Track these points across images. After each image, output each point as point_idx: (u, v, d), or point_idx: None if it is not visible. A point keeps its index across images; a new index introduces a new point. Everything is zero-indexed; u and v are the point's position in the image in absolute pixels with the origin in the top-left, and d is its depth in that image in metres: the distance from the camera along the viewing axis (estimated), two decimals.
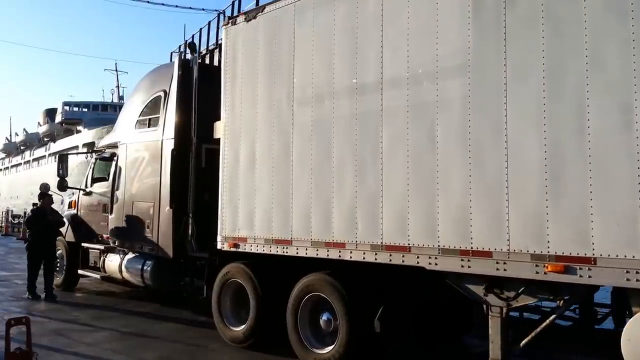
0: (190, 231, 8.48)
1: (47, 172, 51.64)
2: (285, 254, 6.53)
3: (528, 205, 4.47)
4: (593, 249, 4.06)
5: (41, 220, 10.71)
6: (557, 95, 4.39)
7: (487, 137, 4.79)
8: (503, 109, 4.68)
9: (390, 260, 5.46)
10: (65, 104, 53.29)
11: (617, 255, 3.95)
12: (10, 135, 67.54)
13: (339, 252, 5.93)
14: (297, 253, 6.39)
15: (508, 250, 4.56)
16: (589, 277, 4.10)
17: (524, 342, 4.81)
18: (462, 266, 4.89)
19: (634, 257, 3.87)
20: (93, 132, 45.53)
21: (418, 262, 5.22)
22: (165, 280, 9.17)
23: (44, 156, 53.45)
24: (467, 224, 4.85)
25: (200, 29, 10.94)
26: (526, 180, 4.52)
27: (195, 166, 8.60)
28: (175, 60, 9.03)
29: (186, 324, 8.71)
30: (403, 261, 5.35)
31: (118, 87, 56.82)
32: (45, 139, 56.01)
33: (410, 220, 5.27)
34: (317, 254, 6.17)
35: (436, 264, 5.09)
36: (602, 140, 4.14)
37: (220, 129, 7.61)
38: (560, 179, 4.32)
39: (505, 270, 4.59)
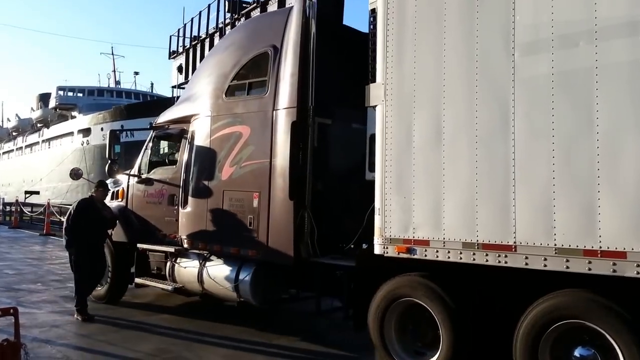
0: (307, 229, 6.57)
1: (41, 159, 49.88)
2: (504, 264, 4.65)
3: None
4: None
5: (94, 215, 8.59)
6: None
7: None
8: None
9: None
10: (60, 88, 51.33)
11: None
12: (2, 121, 65.41)
13: (613, 264, 4.06)
14: (526, 265, 4.52)
15: None
16: None
17: None
18: None
19: None
20: (89, 118, 43.31)
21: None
22: (270, 293, 7.27)
23: (37, 142, 51.40)
24: None
25: None
26: None
27: (312, 146, 6.68)
28: (295, 3, 6.93)
29: (184, 315, 8.27)
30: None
31: (115, 71, 54.65)
32: (39, 125, 54.05)
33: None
34: (566, 267, 4.30)
35: None
36: None
37: (377, 94, 5.65)
38: None
39: None
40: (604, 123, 4.09)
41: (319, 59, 6.69)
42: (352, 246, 6.49)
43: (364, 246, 6.27)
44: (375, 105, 5.65)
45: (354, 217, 6.41)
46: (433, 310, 5.19)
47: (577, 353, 4.47)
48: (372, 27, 5.79)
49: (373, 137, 5.89)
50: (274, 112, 6.82)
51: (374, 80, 5.70)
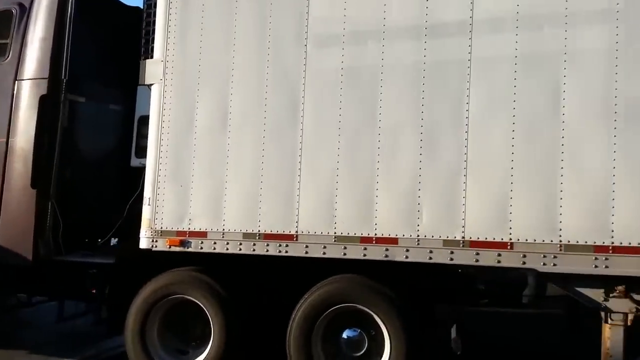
0: (49, 223, 5.57)
1: None
2: (284, 254, 4.63)
3: None
4: None
5: None
6: None
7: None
8: None
9: (477, 261, 4.23)
10: None
11: None
12: None
13: (386, 249, 4.40)
14: (306, 253, 4.57)
15: None
16: None
17: None
18: (596, 266, 4.00)
19: None
20: None
21: (525, 263, 4.13)
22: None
23: None
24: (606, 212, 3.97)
25: None
26: None
27: (61, 126, 5.73)
28: None
29: None
30: (499, 261, 4.19)
31: None
32: None
33: (514, 209, 4.15)
34: (344, 254, 4.50)
35: (555, 265, 4.08)
36: None
37: (154, 72, 5.11)
38: None
39: None
40: (386, 119, 4.42)
41: (76, 27, 5.76)
42: (114, 241, 5.68)
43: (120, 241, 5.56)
44: (151, 84, 5.09)
45: (109, 208, 5.65)
46: (205, 306, 4.83)
47: (345, 335, 4.68)
48: None
49: (144, 119, 5.31)
50: (16, 82, 5.61)
51: (150, 56, 5.14)
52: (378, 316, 4.50)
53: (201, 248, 4.84)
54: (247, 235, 4.72)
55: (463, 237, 4.23)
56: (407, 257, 4.35)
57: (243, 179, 4.77)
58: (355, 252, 4.46)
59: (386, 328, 4.48)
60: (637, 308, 4.05)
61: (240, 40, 4.86)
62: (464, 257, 4.24)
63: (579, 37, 4.07)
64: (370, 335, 4.63)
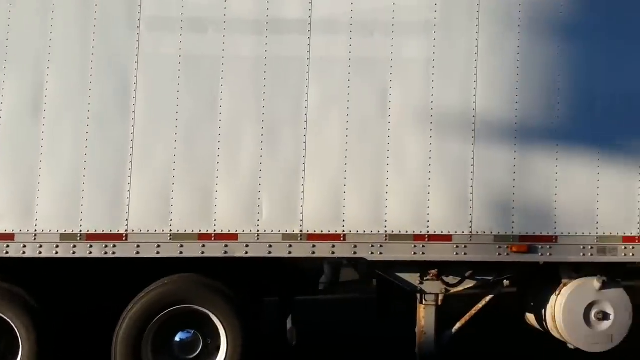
0: None
1: None
2: (112, 255, 4.26)
3: (494, 188, 4.52)
4: (555, 228, 4.51)
5: None
6: None
7: (452, 104, 4.51)
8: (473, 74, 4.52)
9: (314, 253, 4.42)
10: None
11: (575, 233, 4.51)
12: None
13: (225, 246, 4.34)
14: (137, 254, 4.28)
15: (470, 232, 4.48)
16: (550, 255, 4.51)
17: (456, 327, 4.79)
18: (415, 253, 4.47)
19: (589, 233, 4.53)
20: None
21: (355, 253, 4.43)
22: None
23: None
24: (423, 205, 4.46)
25: None
26: (493, 165, 4.52)
27: None
28: None
29: None
30: (333, 252, 4.43)
31: None
32: None
33: (347, 203, 4.42)
34: (180, 253, 4.31)
35: (381, 253, 4.45)
36: None
37: None
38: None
39: (465, 254, 4.48)
40: (227, 112, 4.32)
41: None
42: None
43: None
44: None
45: None
46: (16, 324, 4.19)
47: (177, 338, 4.47)
48: None
49: None
50: None
51: None
52: (214, 315, 4.40)
53: (6, 253, 4.18)
54: (65, 237, 4.22)
55: (301, 231, 4.36)
56: (247, 252, 4.32)
57: (61, 173, 4.25)
58: (192, 250, 4.29)
59: (223, 326, 4.40)
60: (446, 289, 4.63)
61: (59, 18, 4.29)
62: (302, 250, 4.37)
63: (403, 46, 4.48)
64: (205, 335, 4.49)
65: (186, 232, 4.28)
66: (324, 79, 4.43)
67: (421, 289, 4.64)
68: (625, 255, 4.47)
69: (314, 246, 4.39)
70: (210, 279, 4.44)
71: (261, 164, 4.35)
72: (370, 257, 4.43)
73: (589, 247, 4.46)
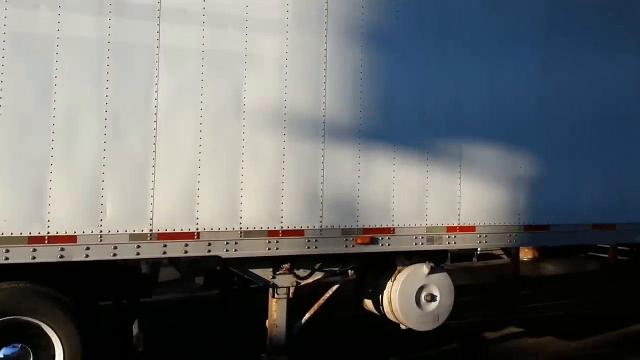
0: None
1: None
2: None
3: (341, 186, 4.74)
4: (393, 221, 4.90)
5: None
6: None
7: (303, 105, 4.62)
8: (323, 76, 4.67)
9: (165, 253, 4.19)
10: None
11: (409, 225, 4.96)
12: None
13: (61, 249, 3.90)
14: None
15: (321, 227, 4.65)
16: (389, 245, 4.89)
17: (306, 317, 4.93)
18: (270, 248, 4.50)
19: (420, 225, 5.00)
20: None
21: (210, 251, 4.32)
22: None
23: None
24: (278, 202, 4.52)
25: None
26: (339, 162, 4.73)
27: None
28: None
29: None
30: (186, 251, 4.25)
31: None
32: None
33: (202, 200, 4.28)
34: (5, 259, 3.76)
35: (236, 250, 4.39)
36: None
37: None
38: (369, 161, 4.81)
39: (316, 247, 4.64)
40: (62, 99, 3.85)
41: None
42: None
43: None
44: None
45: None
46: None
47: (1, 354, 3.91)
48: None
49: None
50: None
51: None
52: (47, 325, 3.92)
53: None
54: None
55: (151, 230, 4.10)
56: (87, 255, 3.93)
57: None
58: (21, 255, 3.75)
59: (57, 335, 3.95)
60: (297, 281, 4.76)
61: None
62: (152, 251, 4.12)
63: (257, 43, 4.46)
64: (37, 347, 3.98)
65: (13, 235, 3.72)
66: (176, 70, 4.21)
67: (273, 283, 4.70)
68: (449, 243, 5.07)
69: (165, 246, 4.16)
70: (41, 286, 3.94)
71: (104, 159, 3.97)
72: (225, 255, 4.35)
73: (420, 236, 4.97)
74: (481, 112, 5.15)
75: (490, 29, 5.19)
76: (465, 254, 10.99)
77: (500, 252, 11.59)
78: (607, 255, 11.97)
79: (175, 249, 4.20)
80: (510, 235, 5.27)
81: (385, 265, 5.17)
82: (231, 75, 4.38)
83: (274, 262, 4.68)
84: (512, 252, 9.80)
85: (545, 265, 11.98)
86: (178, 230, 4.19)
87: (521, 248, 10.65)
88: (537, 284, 9.81)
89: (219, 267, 6.16)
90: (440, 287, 5.13)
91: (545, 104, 5.40)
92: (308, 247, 4.60)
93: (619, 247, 11.60)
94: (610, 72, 5.68)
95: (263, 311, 4.84)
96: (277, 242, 4.49)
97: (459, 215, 5.08)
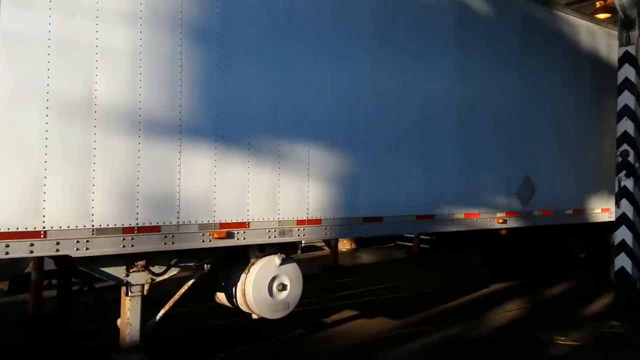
0: None
1: None
2: None
3: (197, 182, 4.79)
4: (248, 215, 5.09)
5: None
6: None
7: (158, 102, 4.57)
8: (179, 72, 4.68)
9: (8, 254, 3.90)
10: None
11: (263, 219, 5.18)
12: None
13: None
14: None
15: (178, 223, 4.68)
16: (244, 238, 5.07)
17: (160, 314, 4.87)
18: (124, 246, 4.40)
19: (273, 219, 5.25)
20: None
21: (58, 250, 4.10)
22: None
23: None
24: (133, 198, 4.44)
25: None
26: (196, 161, 4.79)
27: None
28: None
29: None
30: (32, 251, 4.00)
31: None
32: None
33: (49, 197, 4.05)
34: None
35: (87, 249, 4.23)
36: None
37: None
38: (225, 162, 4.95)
39: (173, 243, 4.64)
40: None
41: None
42: None
43: None
44: None
45: None
46: None
47: None
48: None
49: None
50: None
51: None
52: None
53: None
54: None
55: None
56: None
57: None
58: None
59: None
60: (152, 278, 4.72)
61: None
62: None
63: (109, 34, 4.34)
64: None
65: None
66: (17, 56, 3.93)
67: (127, 281, 4.61)
68: (299, 235, 5.45)
69: (7, 246, 3.88)
70: None
71: None
72: (75, 254, 4.17)
73: (273, 230, 5.26)
74: (325, 119, 5.58)
75: (331, 37, 5.64)
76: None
77: (322, 243, 12.44)
78: (412, 244, 13.57)
79: (19, 249, 3.94)
80: (351, 227, 5.82)
81: (238, 258, 5.35)
82: (82, 66, 4.20)
83: (128, 260, 4.59)
84: (331, 243, 10.60)
85: (361, 255, 13.19)
86: (22, 228, 3.92)
87: (340, 240, 11.66)
88: (356, 271, 10.73)
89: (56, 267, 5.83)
90: (291, 276, 5.48)
91: (377, 109, 6.04)
92: (165, 243, 4.60)
93: (421, 237, 13.22)
94: (432, 79, 6.51)
95: (113, 310, 4.72)
96: (132, 239, 4.42)
97: (307, 210, 5.47)
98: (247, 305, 5.29)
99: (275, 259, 5.36)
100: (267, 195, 5.21)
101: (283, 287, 5.41)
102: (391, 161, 6.15)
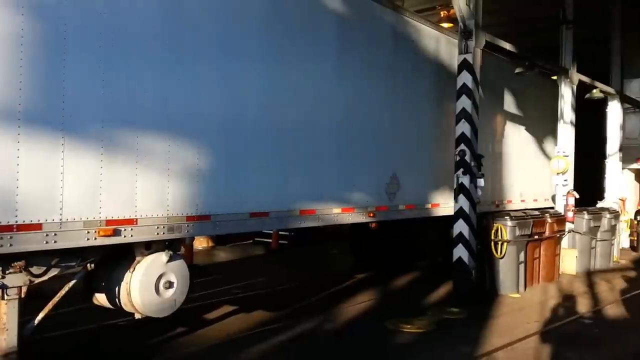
0: None
1: None
2: None
3: (84, 175, 4.58)
4: (136, 211, 4.95)
5: None
6: None
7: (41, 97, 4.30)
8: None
9: None
10: None
11: (152, 215, 5.07)
12: None
13: None
14: None
15: (61, 220, 4.44)
16: (132, 235, 4.92)
17: (39, 317, 4.57)
18: (2, 245, 4.09)
19: (161, 215, 5.15)
20: None
21: None
22: None
23: None
24: (12, 194, 4.14)
25: None
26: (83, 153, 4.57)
27: None
28: None
29: None
30: None
31: None
32: None
33: None
34: None
35: None
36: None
37: None
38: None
39: (55, 242, 4.39)
40: None
41: None
42: None
43: None
44: None
45: None
46: None
47: None
48: None
49: None
50: None
51: None
52: None
53: None
54: None
55: None
56: None
57: None
58: None
59: None
60: (31, 280, 4.43)
61: None
62: None
63: None
64: None
65: None
66: None
67: (2, 284, 4.28)
68: (187, 232, 5.43)
69: None
70: None
71: None
72: None
73: (162, 226, 5.20)
74: (213, 119, 5.63)
75: (220, 39, 5.70)
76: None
77: None
78: (270, 240, 13.62)
79: None
80: (238, 222, 5.90)
81: (122, 256, 5.20)
82: None
83: (3, 261, 4.26)
84: (186, 241, 10.29)
85: (218, 253, 12.90)
86: None
87: (196, 238, 11.60)
88: (212, 270, 10.37)
89: None
90: (177, 274, 5.44)
91: (265, 113, 6.20)
92: (47, 242, 4.35)
93: (280, 232, 13.30)
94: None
95: None
96: (10, 237, 4.13)
97: (197, 205, 5.47)
98: (132, 305, 5.16)
99: (163, 256, 5.30)
100: (156, 190, 5.13)
101: (170, 284, 5.36)
102: (278, 160, 6.35)
